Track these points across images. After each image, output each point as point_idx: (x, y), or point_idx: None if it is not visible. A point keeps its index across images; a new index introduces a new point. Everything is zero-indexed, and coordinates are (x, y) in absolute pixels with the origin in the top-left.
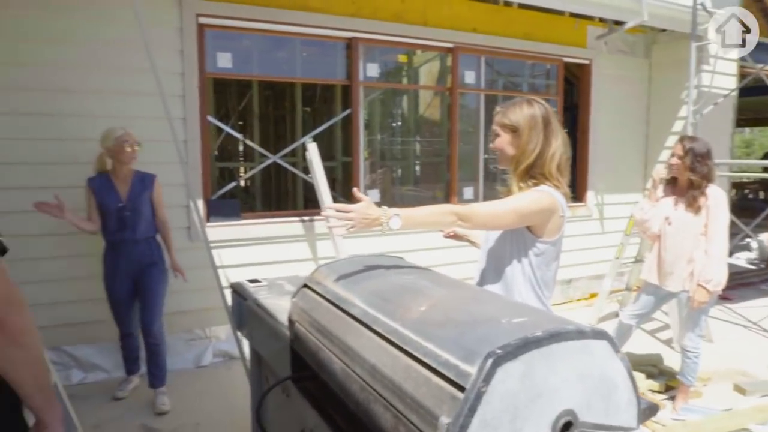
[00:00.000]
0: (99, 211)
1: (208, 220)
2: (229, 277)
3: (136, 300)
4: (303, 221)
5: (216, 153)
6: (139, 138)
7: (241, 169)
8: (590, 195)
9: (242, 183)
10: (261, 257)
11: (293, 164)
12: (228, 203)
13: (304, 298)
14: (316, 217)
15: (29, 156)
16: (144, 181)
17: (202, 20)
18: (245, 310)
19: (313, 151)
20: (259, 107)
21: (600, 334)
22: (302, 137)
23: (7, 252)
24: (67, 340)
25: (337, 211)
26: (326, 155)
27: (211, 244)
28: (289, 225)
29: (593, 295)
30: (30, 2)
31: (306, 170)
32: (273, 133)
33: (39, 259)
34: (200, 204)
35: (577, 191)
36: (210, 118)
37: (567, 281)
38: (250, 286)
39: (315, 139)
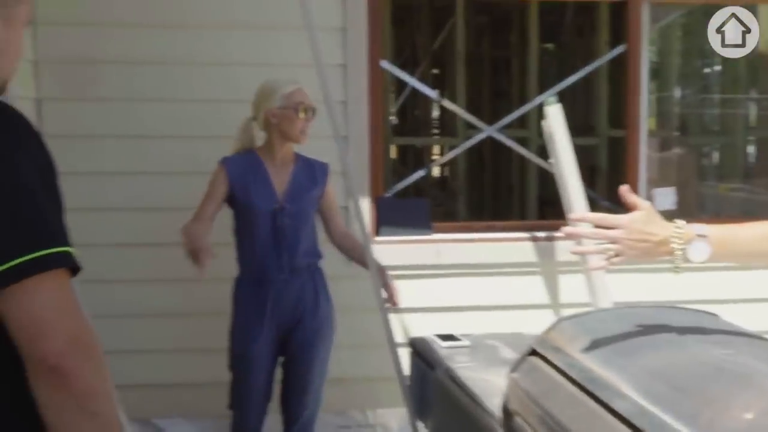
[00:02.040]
0: (238, 215)
1: (376, 234)
2: (406, 327)
3: (277, 369)
4: (535, 239)
5: (393, 121)
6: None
7: (434, 149)
8: None
9: (434, 172)
10: (460, 297)
11: (522, 141)
12: (411, 205)
13: (531, 375)
14: (558, 234)
15: (119, 123)
16: (313, 172)
17: None
18: (431, 386)
19: (555, 120)
20: (465, 44)
21: None
22: (538, 96)
23: (80, 272)
24: (158, 410)
25: (595, 226)
26: (579, 125)
27: None
28: (510, 246)
29: None
30: None
31: (543, 151)
32: (488, 89)
33: (111, 282)
34: (365, 206)
35: None
36: (385, 65)
37: None
38: (441, 346)
39: (561, 98)
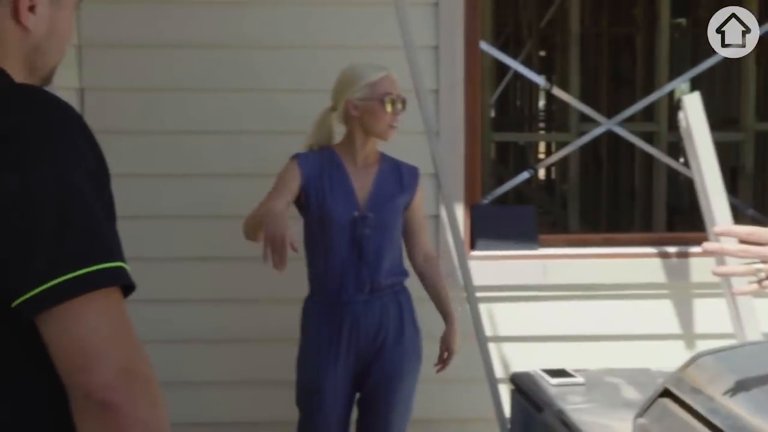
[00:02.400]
0: (311, 224)
1: (471, 247)
2: (506, 359)
3: (353, 407)
4: (663, 256)
5: (490, 114)
6: None
7: (539, 146)
8: None
9: (540, 173)
10: (571, 324)
11: (647, 137)
12: (514, 214)
13: (663, 420)
14: (694, 249)
15: (172, 117)
16: (400, 176)
17: None
18: (538, 431)
19: (694, 112)
20: (580, 22)
21: None
22: (669, 82)
23: (134, 291)
24: None
25: (742, 241)
26: (718, 118)
27: (477, 293)
28: (632, 263)
29: None
30: None
31: (674, 149)
32: (606, 75)
33: (160, 303)
34: (459, 214)
35: None
36: (485, 46)
37: None
38: (551, 384)
39: (696, 85)
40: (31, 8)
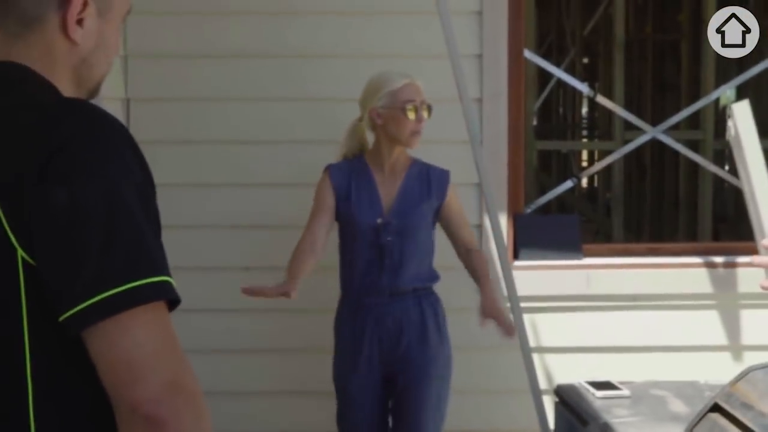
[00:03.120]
0: (341, 230)
1: (514, 257)
2: (548, 371)
3: (389, 415)
4: (710, 266)
5: (534, 123)
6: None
7: (582, 154)
8: None
9: (583, 181)
10: (616, 335)
11: (694, 145)
12: (557, 223)
13: None
14: (741, 259)
15: (217, 127)
16: (429, 181)
17: None
18: None
19: (743, 120)
20: (626, 28)
21: None
22: (717, 88)
23: (179, 304)
24: None
25: None
26: (765, 125)
27: (521, 303)
28: (678, 273)
29: None
30: None
31: (719, 157)
32: (651, 83)
33: (203, 312)
34: (503, 223)
35: None
36: (528, 54)
37: None
38: (596, 396)
39: (743, 91)
40: (79, 21)
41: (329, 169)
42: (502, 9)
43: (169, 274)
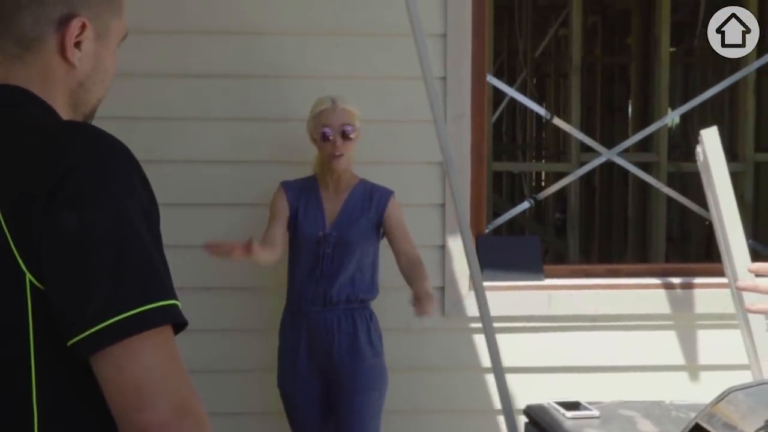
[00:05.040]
0: (290, 242)
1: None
2: (512, 391)
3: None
4: (668, 287)
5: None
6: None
7: (535, 176)
8: None
9: (534, 202)
10: (577, 355)
11: (645, 167)
12: (519, 244)
13: None
14: (697, 280)
15: (182, 147)
16: (371, 198)
17: None
18: None
19: (712, 148)
20: (581, 50)
21: None
22: (667, 113)
23: (186, 327)
24: None
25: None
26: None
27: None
28: (637, 294)
29: None
30: None
31: (671, 179)
32: (600, 106)
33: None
34: (469, 244)
35: None
36: (491, 79)
37: None
38: (566, 417)
39: (693, 115)
40: (77, 44)
41: (283, 185)
42: (466, 32)
43: (176, 297)
